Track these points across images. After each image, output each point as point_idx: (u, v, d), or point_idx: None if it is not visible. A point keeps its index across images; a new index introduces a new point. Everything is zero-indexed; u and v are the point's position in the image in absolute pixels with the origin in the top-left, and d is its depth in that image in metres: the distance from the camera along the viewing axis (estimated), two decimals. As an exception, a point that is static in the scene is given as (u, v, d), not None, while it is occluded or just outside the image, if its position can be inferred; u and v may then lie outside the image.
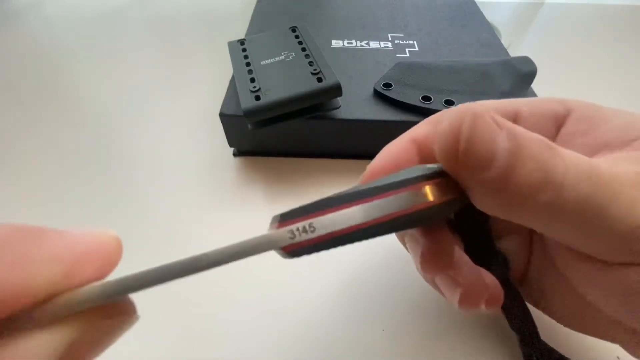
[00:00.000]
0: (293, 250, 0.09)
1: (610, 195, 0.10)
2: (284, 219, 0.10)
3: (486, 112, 0.11)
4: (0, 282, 0.07)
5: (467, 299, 0.14)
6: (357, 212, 0.10)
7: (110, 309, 0.09)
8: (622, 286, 0.12)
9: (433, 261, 0.14)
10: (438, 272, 0.15)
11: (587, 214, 0.10)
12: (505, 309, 0.17)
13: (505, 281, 0.16)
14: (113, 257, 0.09)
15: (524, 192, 0.11)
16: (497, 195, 0.11)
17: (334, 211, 0.10)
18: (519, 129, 0.11)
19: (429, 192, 0.10)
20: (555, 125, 0.15)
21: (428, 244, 0.14)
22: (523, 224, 0.12)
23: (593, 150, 0.14)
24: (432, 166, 0.12)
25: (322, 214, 0.10)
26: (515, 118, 0.15)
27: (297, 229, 0.10)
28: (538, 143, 0.11)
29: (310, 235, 0.09)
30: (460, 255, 0.15)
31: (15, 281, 0.07)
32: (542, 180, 0.10)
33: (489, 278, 0.15)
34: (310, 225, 0.10)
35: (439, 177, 0.11)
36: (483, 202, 0.12)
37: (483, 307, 0.14)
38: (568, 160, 0.11)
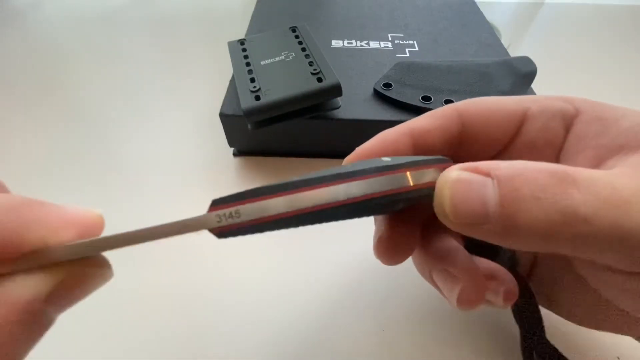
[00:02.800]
0: (220, 232, 0.10)
1: (636, 218, 0.10)
2: (216, 203, 0.11)
3: (467, 166, 0.11)
4: (2, 231, 0.09)
5: (466, 297, 0.13)
6: (280, 202, 0.10)
7: (87, 262, 0.10)
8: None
9: (389, 248, 0.14)
10: (393, 258, 0.15)
11: (614, 238, 0.10)
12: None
13: (513, 273, 0.16)
14: (94, 227, 0.11)
15: (540, 232, 0.10)
16: (513, 240, 0.11)
17: (261, 200, 0.11)
18: (516, 167, 0.11)
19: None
20: (564, 125, 0.15)
21: (385, 230, 0.15)
22: (547, 252, 0.11)
23: (608, 153, 0.13)
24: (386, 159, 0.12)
25: (252, 202, 0.11)
26: (523, 117, 0.15)
27: (224, 214, 0.10)
28: (543, 178, 0.10)
29: (235, 220, 0.10)
30: (456, 249, 0.15)
31: (15, 232, 0.09)
32: (560, 219, 0.10)
33: (501, 271, 0.15)
34: (236, 212, 0.10)
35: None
36: (505, 245, 0.11)
37: (484, 304, 0.14)
38: (584, 188, 0.10)
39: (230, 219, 0.10)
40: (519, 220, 0.10)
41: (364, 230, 0.19)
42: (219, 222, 0.10)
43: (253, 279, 0.23)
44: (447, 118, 0.15)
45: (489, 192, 0.10)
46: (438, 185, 0.11)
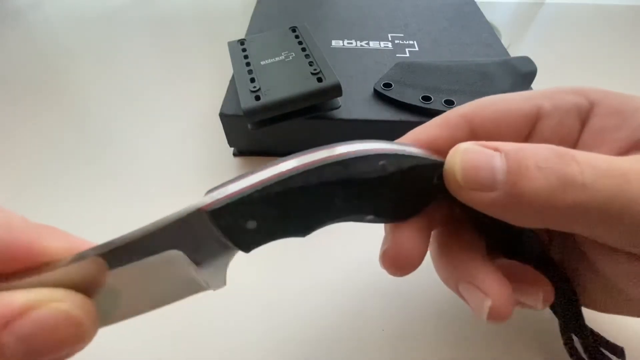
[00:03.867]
0: (211, 210, 0.12)
1: (637, 190, 0.10)
2: (209, 191, 0.13)
3: (476, 142, 0.12)
4: (35, 243, 0.11)
5: (496, 313, 0.13)
6: (244, 181, 0.13)
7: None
8: None
9: (395, 260, 0.14)
10: (400, 270, 0.14)
11: (614, 211, 0.10)
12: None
13: (543, 257, 0.15)
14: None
15: (541, 200, 0.11)
16: (517, 209, 0.11)
17: (238, 180, 0.13)
18: (520, 145, 0.12)
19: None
20: (579, 120, 0.14)
21: (393, 241, 0.14)
22: (551, 228, 0.12)
23: (626, 147, 0.13)
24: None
25: (233, 182, 0.13)
26: (537, 116, 0.15)
27: (212, 196, 0.12)
28: (544, 152, 0.11)
29: (218, 197, 0.12)
30: (482, 260, 0.14)
31: (42, 244, 0.11)
32: (560, 185, 0.11)
33: (531, 273, 0.14)
34: (217, 191, 0.12)
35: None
36: (510, 217, 0.12)
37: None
38: (583, 162, 0.11)
39: (216, 197, 0.12)
40: (524, 187, 0.11)
41: (365, 233, 0.19)
42: (207, 202, 0.12)
43: (251, 278, 0.23)
44: (455, 128, 0.15)
45: (497, 162, 0.11)
46: (450, 154, 0.12)
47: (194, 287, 0.13)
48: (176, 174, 0.29)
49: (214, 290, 0.13)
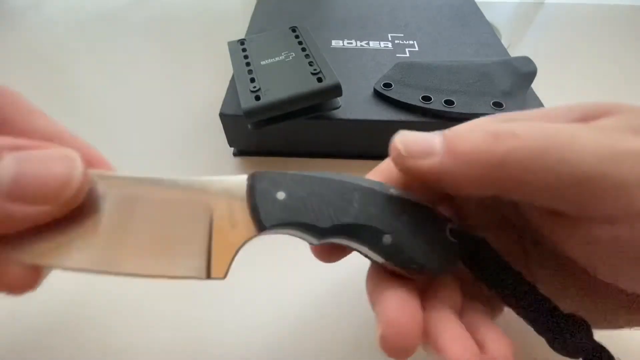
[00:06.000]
0: (252, 174, 0.13)
1: (568, 138, 0.11)
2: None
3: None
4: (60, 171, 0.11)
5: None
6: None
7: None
8: (589, 241, 0.12)
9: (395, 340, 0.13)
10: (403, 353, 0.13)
11: (547, 161, 0.11)
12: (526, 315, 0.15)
13: (519, 279, 0.15)
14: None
15: (476, 154, 0.12)
16: (456, 170, 0.12)
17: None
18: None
19: None
20: None
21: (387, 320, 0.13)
22: (492, 192, 0.12)
23: None
24: None
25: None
26: None
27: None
28: (482, 119, 0.13)
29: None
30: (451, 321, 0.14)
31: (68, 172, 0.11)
32: (492, 137, 0.12)
33: (495, 341, 0.14)
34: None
35: None
36: (451, 182, 0.13)
37: None
38: (518, 121, 0.12)
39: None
40: (459, 144, 0.12)
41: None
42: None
43: (251, 277, 0.23)
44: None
45: (437, 139, 0.13)
46: (393, 141, 0.13)
47: (193, 265, 0.12)
48: (176, 173, 0.29)
49: (211, 278, 0.12)
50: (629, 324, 0.15)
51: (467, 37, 0.36)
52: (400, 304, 0.13)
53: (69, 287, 0.22)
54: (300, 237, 0.14)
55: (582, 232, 0.12)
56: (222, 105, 0.28)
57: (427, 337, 0.13)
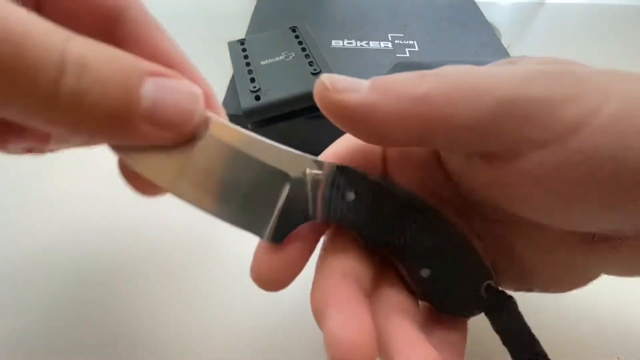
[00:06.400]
0: (338, 166, 0.14)
1: (483, 70, 0.12)
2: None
3: None
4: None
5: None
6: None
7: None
8: (524, 176, 0.11)
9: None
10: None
11: (468, 91, 0.11)
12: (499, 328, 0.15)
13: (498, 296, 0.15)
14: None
15: (402, 86, 0.12)
16: (382, 106, 0.12)
17: None
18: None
19: None
20: None
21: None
22: (423, 126, 0.12)
23: None
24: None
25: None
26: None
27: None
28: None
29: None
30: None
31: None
32: (418, 75, 0.12)
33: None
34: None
35: None
36: (376, 124, 0.13)
37: None
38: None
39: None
40: (385, 83, 0.13)
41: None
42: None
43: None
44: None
45: (364, 81, 0.13)
46: (318, 79, 0.14)
47: (260, 224, 0.13)
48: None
49: (269, 241, 0.13)
50: (590, 271, 0.15)
51: (467, 37, 0.36)
52: (349, 318, 0.11)
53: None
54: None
55: (517, 169, 0.11)
56: (222, 105, 0.28)
57: (381, 349, 0.12)
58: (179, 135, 0.12)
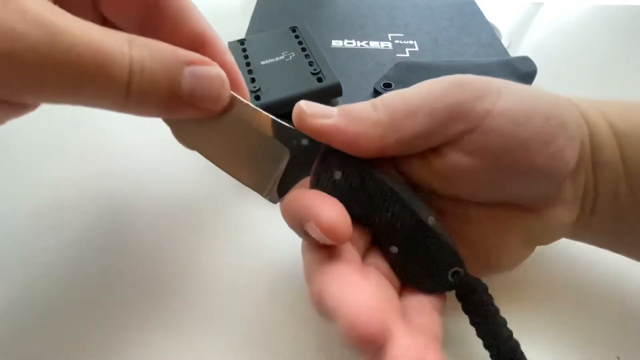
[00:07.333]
0: (330, 149, 0.16)
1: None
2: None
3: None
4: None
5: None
6: None
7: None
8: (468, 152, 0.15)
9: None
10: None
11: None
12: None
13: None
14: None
15: (365, 114, 0.15)
16: (349, 128, 0.15)
17: None
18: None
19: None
20: None
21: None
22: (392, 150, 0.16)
23: None
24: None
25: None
26: None
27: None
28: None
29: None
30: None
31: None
32: (372, 104, 0.16)
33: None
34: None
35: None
36: (343, 141, 0.15)
37: None
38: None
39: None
40: (352, 111, 0.16)
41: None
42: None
43: (251, 275, 0.23)
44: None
45: (334, 108, 0.16)
46: (296, 105, 0.16)
47: (264, 185, 0.17)
48: (177, 170, 0.29)
49: (270, 199, 0.17)
50: (525, 244, 0.17)
51: (467, 37, 0.36)
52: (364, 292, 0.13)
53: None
54: None
55: (459, 151, 0.15)
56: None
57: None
58: (210, 112, 0.15)
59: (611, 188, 0.16)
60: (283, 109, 0.25)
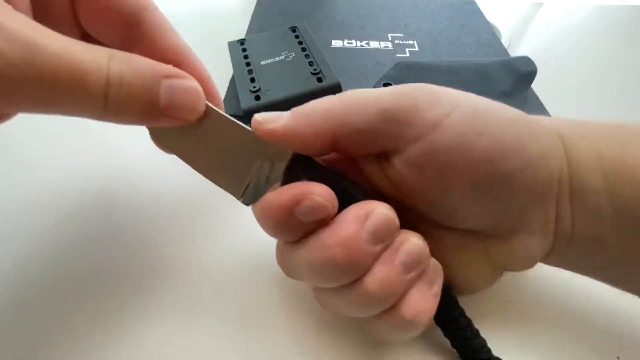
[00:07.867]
0: (299, 155, 0.16)
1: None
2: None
3: None
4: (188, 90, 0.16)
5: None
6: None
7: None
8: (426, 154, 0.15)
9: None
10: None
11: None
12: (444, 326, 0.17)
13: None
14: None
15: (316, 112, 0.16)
16: (297, 127, 0.16)
17: None
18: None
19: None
20: None
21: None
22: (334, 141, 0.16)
23: None
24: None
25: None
26: None
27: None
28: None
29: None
30: None
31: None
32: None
33: None
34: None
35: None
36: (293, 139, 0.16)
37: None
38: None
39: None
40: (301, 110, 0.16)
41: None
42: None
43: (251, 274, 0.23)
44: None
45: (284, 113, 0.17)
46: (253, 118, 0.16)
47: (236, 188, 0.17)
48: (177, 170, 0.29)
49: (241, 201, 0.17)
50: (492, 268, 0.17)
51: (467, 37, 0.36)
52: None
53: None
54: None
55: (402, 162, 0.15)
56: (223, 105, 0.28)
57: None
58: (186, 122, 0.16)
59: (591, 219, 0.15)
60: (283, 109, 0.25)
